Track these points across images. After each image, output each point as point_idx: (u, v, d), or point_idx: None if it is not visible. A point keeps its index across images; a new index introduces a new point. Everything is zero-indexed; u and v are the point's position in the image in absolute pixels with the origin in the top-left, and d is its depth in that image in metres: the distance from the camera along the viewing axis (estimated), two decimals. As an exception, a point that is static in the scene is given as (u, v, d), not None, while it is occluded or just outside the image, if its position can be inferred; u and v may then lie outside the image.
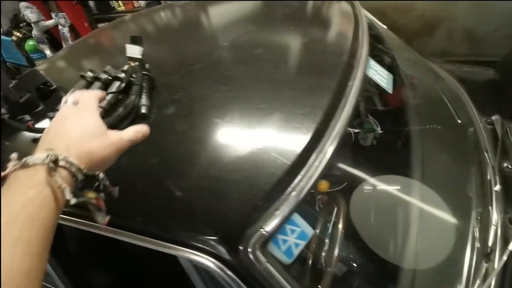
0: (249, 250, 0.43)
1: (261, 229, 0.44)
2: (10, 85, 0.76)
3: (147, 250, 0.49)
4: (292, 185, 0.46)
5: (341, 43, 0.66)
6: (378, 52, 0.85)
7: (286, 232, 0.47)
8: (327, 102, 0.53)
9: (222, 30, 0.88)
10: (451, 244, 0.67)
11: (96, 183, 0.39)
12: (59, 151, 0.34)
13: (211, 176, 0.48)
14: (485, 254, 0.59)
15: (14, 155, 0.34)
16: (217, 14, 1.05)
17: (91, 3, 2.76)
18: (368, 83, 0.76)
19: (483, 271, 0.57)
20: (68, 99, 0.44)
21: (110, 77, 0.63)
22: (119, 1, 2.63)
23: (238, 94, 0.58)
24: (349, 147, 0.87)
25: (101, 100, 0.49)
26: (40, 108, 0.80)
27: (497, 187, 0.67)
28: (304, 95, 0.55)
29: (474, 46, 1.45)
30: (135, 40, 0.67)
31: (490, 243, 0.60)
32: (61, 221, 0.56)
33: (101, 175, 0.40)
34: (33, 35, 2.59)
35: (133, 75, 0.64)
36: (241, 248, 0.44)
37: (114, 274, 0.76)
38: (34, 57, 2.78)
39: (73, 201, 0.33)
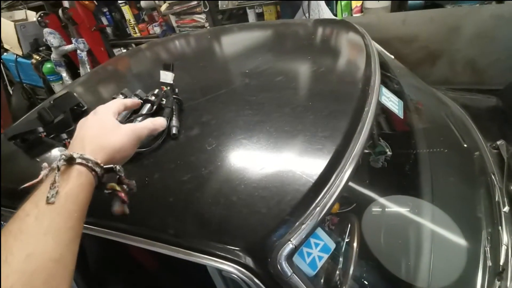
0: (278, 261, 0.47)
1: (289, 242, 0.47)
2: (47, 106, 0.82)
3: (174, 261, 0.52)
4: (316, 201, 0.50)
5: (356, 72, 0.72)
6: (387, 79, 0.92)
7: (310, 245, 0.51)
8: (346, 126, 0.58)
9: (243, 58, 0.95)
10: (463, 264, 0.70)
11: (117, 177, 0.42)
12: (75, 151, 0.38)
13: (241, 192, 0.53)
14: (498, 273, 0.62)
15: (45, 165, 0.40)
16: (236, 43, 1.13)
17: (108, 30, 2.91)
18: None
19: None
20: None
21: (141, 100, 0.68)
22: (135, 28, 2.77)
23: (263, 118, 0.63)
24: (360, 169, 0.91)
25: (127, 107, 0.55)
26: (72, 128, 0.85)
27: (506, 208, 0.70)
28: (325, 120, 0.60)
29: (475, 76, 1.53)
30: (167, 67, 0.74)
31: (501, 262, 0.63)
32: (93, 233, 0.59)
33: (118, 167, 0.42)
34: (51, 59, 2.73)
35: (163, 99, 0.71)
36: (269, 259, 0.47)
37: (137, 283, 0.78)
38: (50, 79, 2.91)
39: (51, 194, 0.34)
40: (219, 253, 0.49)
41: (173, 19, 2.35)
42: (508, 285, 0.58)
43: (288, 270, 0.47)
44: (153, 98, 0.70)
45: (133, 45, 2.79)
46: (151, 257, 0.72)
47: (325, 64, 0.79)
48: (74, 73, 2.88)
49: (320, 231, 0.51)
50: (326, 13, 1.87)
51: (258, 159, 0.56)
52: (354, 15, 1.88)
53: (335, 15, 1.94)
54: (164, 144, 0.65)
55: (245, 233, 0.49)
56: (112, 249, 0.58)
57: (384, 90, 0.74)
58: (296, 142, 0.57)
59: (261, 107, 0.68)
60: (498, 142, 0.90)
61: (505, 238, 0.66)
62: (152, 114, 0.68)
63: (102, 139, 0.41)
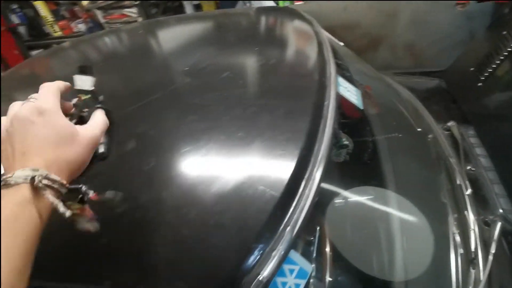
0: (247, 303, 0.37)
1: (258, 277, 0.38)
2: None
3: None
4: (285, 219, 0.42)
5: (309, 62, 0.65)
6: (341, 68, 0.87)
7: (284, 273, 0.42)
8: (307, 125, 0.51)
9: (180, 55, 0.82)
10: (433, 253, 0.68)
11: (80, 195, 0.39)
12: (28, 166, 0.31)
13: (192, 222, 0.42)
14: (470, 260, 0.60)
15: None
16: (172, 38, 0.99)
17: (22, 29, 2.52)
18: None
19: (472, 278, 0.57)
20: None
21: None
22: (54, 26, 2.43)
23: (211, 124, 0.53)
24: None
25: (64, 90, 0.44)
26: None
27: (469, 191, 0.69)
28: (283, 120, 0.52)
29: (415, 59, 1.59)
30: (84, 70, 0.59)
31: (472, 248, 0.61)
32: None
33: (84, 187, 0.39)
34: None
35: (85, 110, 0.56)
36: (237, 302, 0.38)
37: None
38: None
39: (68, 213, 0.32)
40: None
41: (99, 14, 2.08)
42: (481, 275, 0.57)
43: (261, 312, 0.38)
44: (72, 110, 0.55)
45: (55, 45, 2.45)
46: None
47: (274, 55, 0.70)
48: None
49: (293, 254, 0.43)
50: (267, 3, 1.80)
51: (209, 176, 0.46)
52: (295, 3, 1.84)
53: (277, 4, 1.88)
54: (89, 167, 0.51)
55: (202, 275, 0.39)
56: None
57: (341, 80, 0.68)
58: (253, 149, 0.48)
59: (207, 110, 0.57)
60: (449, 124, 0.91)
61: (472, 222, 0.65)
62: None
63: (66, 154, 0.34)
